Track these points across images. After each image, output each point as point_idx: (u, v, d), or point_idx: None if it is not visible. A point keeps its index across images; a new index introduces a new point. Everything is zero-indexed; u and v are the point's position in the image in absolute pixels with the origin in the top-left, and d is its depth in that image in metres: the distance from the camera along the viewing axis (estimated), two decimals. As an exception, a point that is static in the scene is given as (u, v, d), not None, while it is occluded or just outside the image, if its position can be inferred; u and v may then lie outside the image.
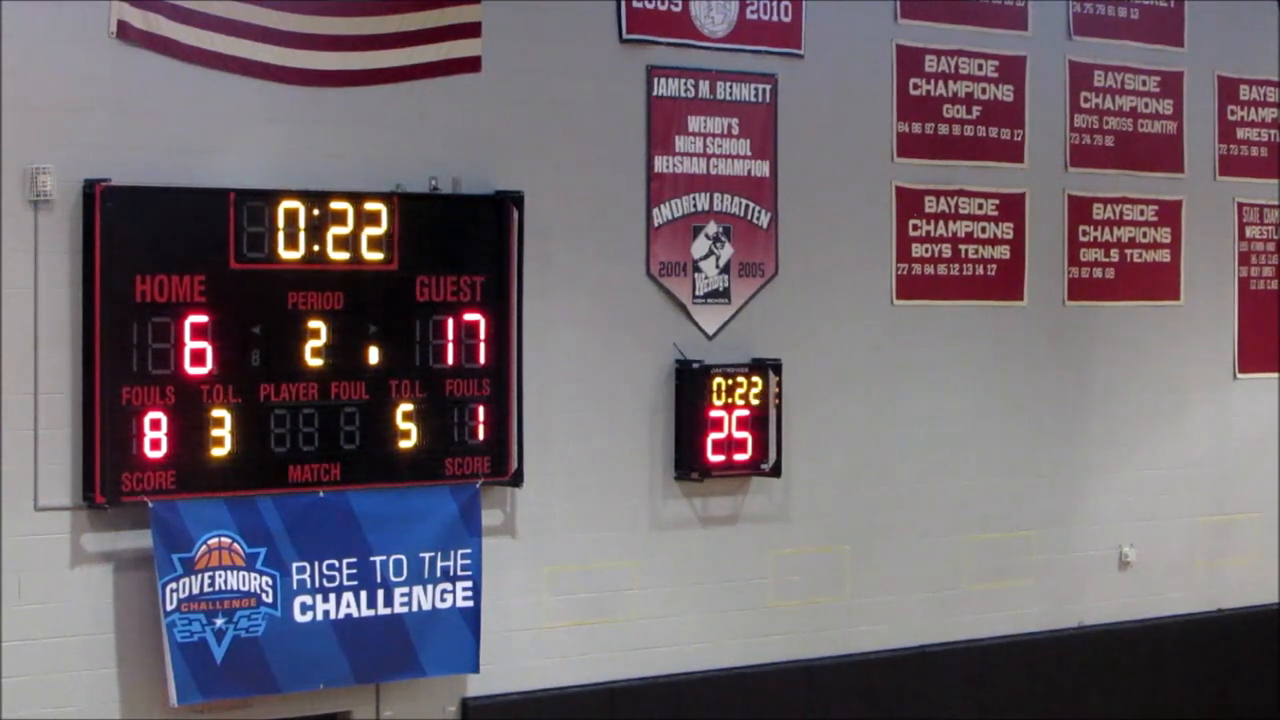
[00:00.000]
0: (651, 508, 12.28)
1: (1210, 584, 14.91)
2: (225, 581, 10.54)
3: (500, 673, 11.56)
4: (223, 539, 10.54)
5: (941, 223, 13.49)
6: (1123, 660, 14.32)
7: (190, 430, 10.46)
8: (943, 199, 13.50)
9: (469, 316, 11.33)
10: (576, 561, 11.97)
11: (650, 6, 12.22)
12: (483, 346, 11.38)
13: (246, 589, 10.60)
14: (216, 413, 10.54)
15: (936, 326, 13.49)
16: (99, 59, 10.37)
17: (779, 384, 12.52)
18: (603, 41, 12.08)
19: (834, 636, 13.03)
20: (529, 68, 11.76)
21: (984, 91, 13.67)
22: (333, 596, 10.86)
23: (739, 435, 12.37)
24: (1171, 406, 14.74)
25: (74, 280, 10.25)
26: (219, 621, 10.49)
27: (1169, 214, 14.65)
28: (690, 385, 12.25)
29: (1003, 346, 13.82)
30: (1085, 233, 14.22)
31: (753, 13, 12.61)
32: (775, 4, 12.69)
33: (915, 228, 13.39)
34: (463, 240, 11.33)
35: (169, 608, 10.34)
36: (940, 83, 13.48)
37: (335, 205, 10.88)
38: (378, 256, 11.02)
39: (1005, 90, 13.77)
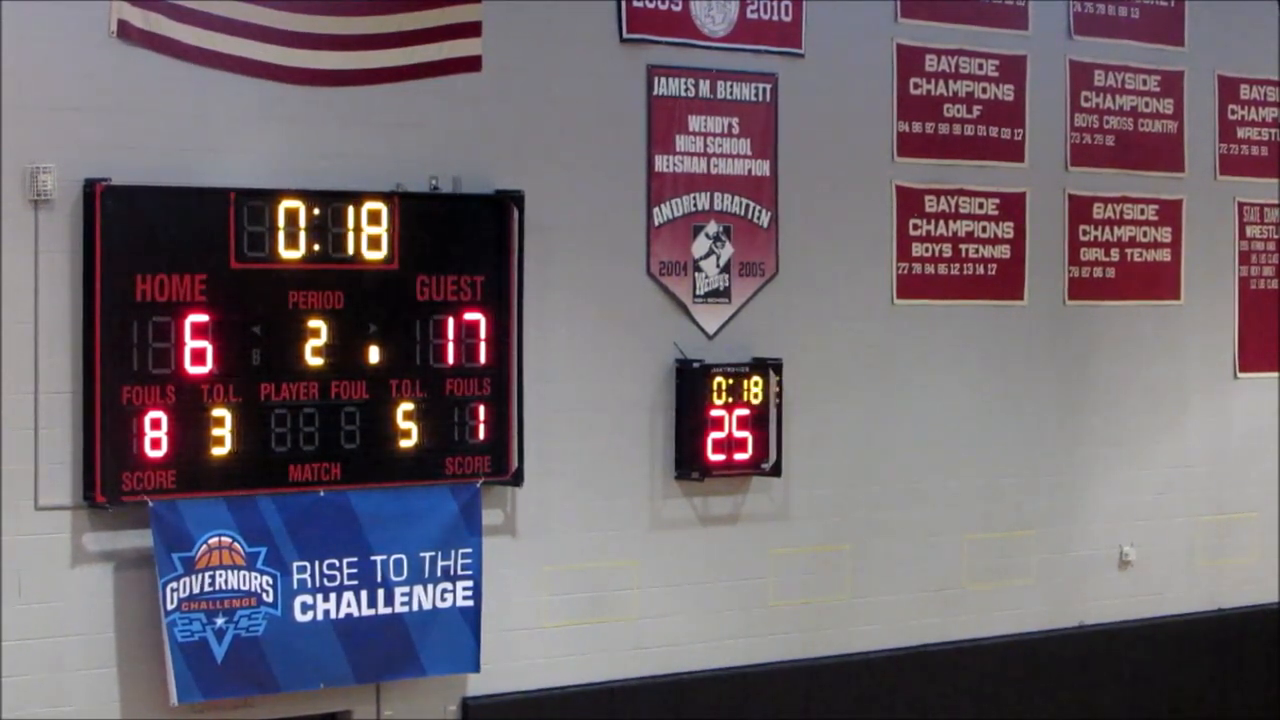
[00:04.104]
0: (652, 507, 12.28)
1: (1210, 584, 14.91)
2: (226, 581, 10.53)
3: (500, 672, 11.56)
4: (223, 538, 10.54)
5: (942, 222, 13.49)
6: (1123, 660, 14.32)
7: (191, 430, 10.46)
8: (943, 198, 13.50)
9: (469, 316, 11.33)
10: (577, 561, 11.97)
11: (650, 6, 12.22)
12: (483, 346, 11.38)
13: (247, 588, 10.60)
14: (217, 412, 10.54)
15: (937, 326, 13.49)
16: (99, 59, 10.37)
17: (779, 383, 12.52)
18: (603, 41, 12.08)
19: (834, 636, 13.02)
20: (529, 67, 11.76)
21: (984, 91, 13.67)
22: (333, 596, 10.86)
23: (739, 435, 12.37)
24: (1171, 406, 14.74)
25: (74, 280, 10.24)
26: (219, 621, 10.49)
27: (1169, 213, 14.65)
28: (690, 384, 12.24)
29: (1003, 346, 13.82)
30: (1085, 232, 14.22)
31: (753, 12, 12.61)
32: (775, 3, 12.69)
33: (915, 227, 13.39)
34: (463, 239, 11.33)
35: (169, 607, 10.33)
36: (940, 82, 13.48)
37: (335, 205, 10.88)
38: (378, 256, 11.02)
39: (1005, 90, 13.77)
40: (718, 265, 12.50)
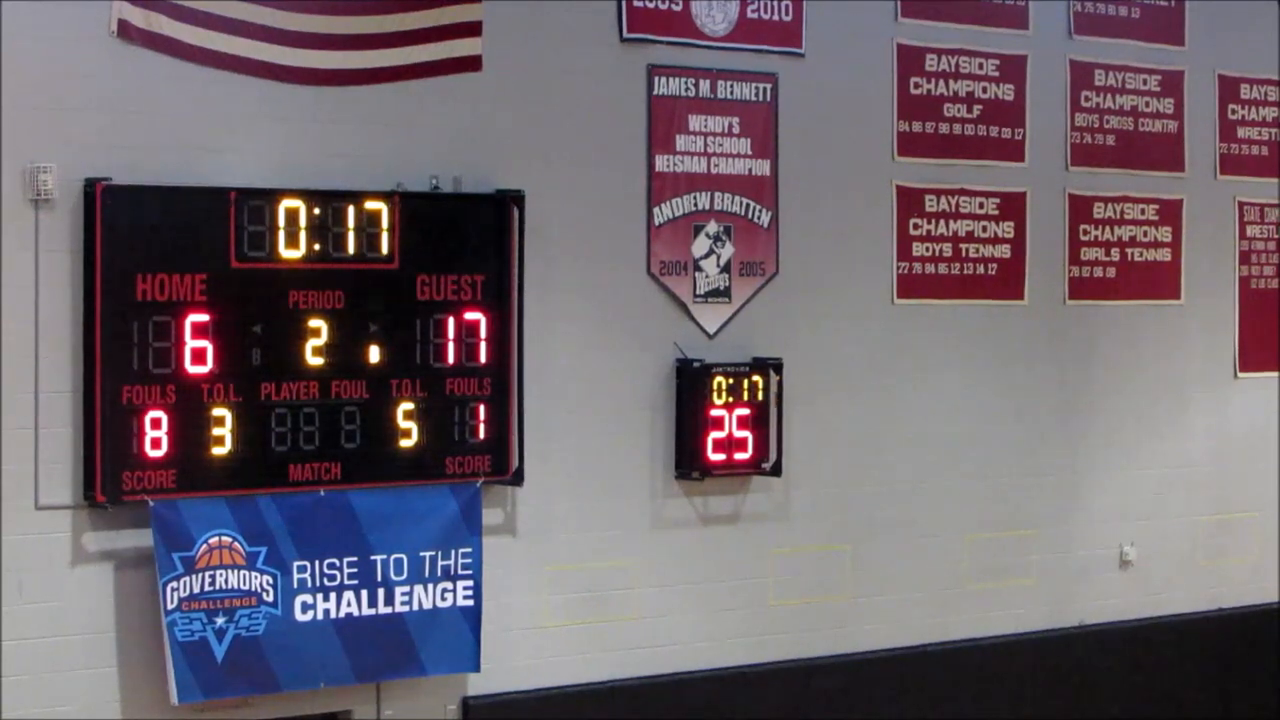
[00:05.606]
0: (652, 507, 12.28)
1: (1210, 584, 14.91)
2: (226, 580, 10.53)
3: (501, 672, 11.56)
4: (223, 538, 10.54)
5: (942, 222, 13.49)
6: (1123, 660, 14.32)
7: (191, 429, 10.46)
8: (943, 198, 13.50)
9: (470, 315, 11.33)
10: (577, 560, 11.97)
11: (651, 6, 12.21)
12: (483, 345, 11.38)
13: (247, 588, 10.60)
14: (217, 411, 10.54)
15: (937, 326, 13.49)
16: (99, 58, 10.36)
17: (779, 383, 12.52)
18: (603, 41, 12.08)
19: (834, 636, 13.02)
20: (530, 67, 11.76)
21: (985, 90, 13.67)
22: (333, 595, 10.86)
23: (739, 434, 12.37)
24: (1171, 406, 14.74)
25: (74, 279, 10.24)
26: (220, 620, 10.49)
27: (1170, 213, 14.66)
28: (691, 384, 12.24)
29: (1003, 346, 13.82)
30: (1086, 232, 14.22)
31: (753, 12, 12.61)
32: (776, 3, 12.69)
33: (916, 227, 13.39)
34: (463, 239, 11.33)
35: (170, 607, 10.34)
36: (941, 82, 13.48)
37: (336, 204, 10.88)
38: (379, 255, 11.02)
39: (1006, 89, 13.77)
40: (718, 265, 12.50)
